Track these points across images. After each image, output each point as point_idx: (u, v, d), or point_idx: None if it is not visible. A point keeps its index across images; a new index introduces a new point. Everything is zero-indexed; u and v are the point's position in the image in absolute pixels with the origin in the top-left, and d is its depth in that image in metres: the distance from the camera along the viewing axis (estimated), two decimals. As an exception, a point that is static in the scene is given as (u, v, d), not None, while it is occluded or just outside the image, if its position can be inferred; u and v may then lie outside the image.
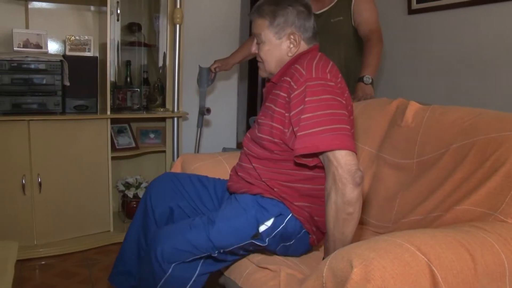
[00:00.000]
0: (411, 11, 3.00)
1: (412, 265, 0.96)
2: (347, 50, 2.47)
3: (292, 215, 1.45)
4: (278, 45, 1.54)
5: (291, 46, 1.53)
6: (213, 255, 1.42)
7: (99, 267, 2.38)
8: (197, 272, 1.45)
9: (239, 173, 1.59)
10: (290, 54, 1.54)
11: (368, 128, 1.94)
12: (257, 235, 1.42)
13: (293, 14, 1.51)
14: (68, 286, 2.18)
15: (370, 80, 2.18)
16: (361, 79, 2.19)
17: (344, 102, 1.40)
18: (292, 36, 1.52)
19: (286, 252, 1.50)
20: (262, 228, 1.43)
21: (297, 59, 1.52)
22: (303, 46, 1.55)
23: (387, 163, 1.80)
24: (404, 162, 1.73)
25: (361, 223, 1.79)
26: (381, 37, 2.32)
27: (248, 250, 1.48)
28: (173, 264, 1.41)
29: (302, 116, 1.33)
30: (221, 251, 1.42)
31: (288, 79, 1.45)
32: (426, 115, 1.73)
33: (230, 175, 1.67)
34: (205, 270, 1.46)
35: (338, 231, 1.31)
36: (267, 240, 1.43)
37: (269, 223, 1.43)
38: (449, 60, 2.75)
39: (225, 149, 2.95)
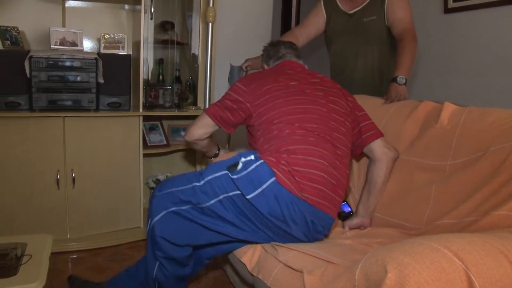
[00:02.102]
0: (447, 10, 2.94)
1: (449, 271, 0.93)
2: (380, 49, 2.43)
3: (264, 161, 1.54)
4: None
5: None
6: (198, 184, 1.56)
7: (129, 262, 2.41)
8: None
9: None
10: None
11: (401, 129, 1.90)
12: (234, 167, 1.54)
13: None
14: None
15: (404, 81, 2.14)
16: (394, 80, 2.15)
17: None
18: None
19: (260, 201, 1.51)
20: (240, 165, 1.55)
21: None
22: None
23: (419, 164, 1.76)
24: (437, 164, 1.69)
25: (391, 225, 1.76)
26: (415, 37, 2.27)
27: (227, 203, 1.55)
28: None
29: None
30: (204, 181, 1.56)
31: None
32: (462, 117, 1.69)
33: None
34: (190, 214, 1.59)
35: None
36: (239, 175, 1.52)
37: (247, 159, 1.56)
38: (485, 60, 2.68)
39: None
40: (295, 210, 1.50)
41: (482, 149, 1.54)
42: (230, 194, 1.53)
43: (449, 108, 1.76)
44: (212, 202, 1.55)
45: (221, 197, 1.54)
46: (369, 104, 2.15)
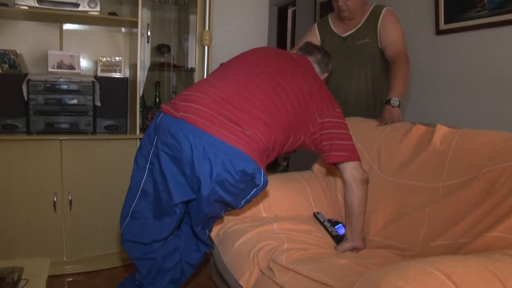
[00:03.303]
0: (439, 32, 2.98)
1: (442, 294, 0.95)
2: (373, 72, 2.48)
3: None
4: None
5: None
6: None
7: (126, 285, 2.41)
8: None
9: None
10: None
11: (395, 152, 1.93)
12: None
13: None
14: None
15: (397, 103, 2.17)
16: (388, 102, 2.19)
17: None
18: None
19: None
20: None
21: None
22: None
23: (413, 186, 1.79)
24: (431, 185, 1.71)
25: (386, 247, 1.77)
26: (407, 59, 2.32)
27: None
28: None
29: None
30: None
31: None
32: (455, 139, 1.72)
33: None
34: None
35: None
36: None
37: None
38: (478, 81, 2.72)
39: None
40: (177, 129, 1.60)
41: (475, 171, 1.56)
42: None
43: (441, 130, 1.79)
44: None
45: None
46: (363, 126, 2.18)
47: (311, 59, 2.04)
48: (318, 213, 2.06)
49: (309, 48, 2.10)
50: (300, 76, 1.83)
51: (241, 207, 1.75)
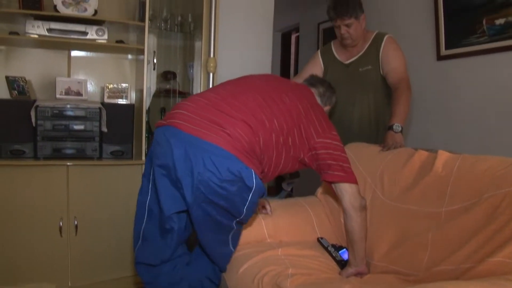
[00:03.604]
0: (440, 57, 3.03)
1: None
2: (376, 97, 2.51)
3: None
4: None
5: None
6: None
7: (130, 310, 2.41)
8: None
9: None
10: None
11: (398, 177, 1.95)
12: None
13: None
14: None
15: (400, 129, 2.20)
16: (390, 128, 2.21)
17: None
18: None
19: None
20: None
21: None
22: None
23: (416, 211, 1.80)
24: (433, 211, 1.72)
25: (390, 272, 1.78)
26: (409, 85, 2.36)
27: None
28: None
29: None
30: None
31: None
32: (456, 164, 1.73)
33: None
34: None
35: None
36: None
37: None
38: (479, 106, 2.75)
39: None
40: (162, 135, 1.64)
41: (476, 196, 1.58)
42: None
43: (443, 156, 1.81)
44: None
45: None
46: (366, 151, 2.21)
47: (314, 90, 2.04)
48: (322, 238, 2.07)
49: (313, 81, 2.11)
50: (296, 98, 1.83)
51: (246, 217, 1.68)
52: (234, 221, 1.70)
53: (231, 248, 1.83)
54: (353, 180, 1.80)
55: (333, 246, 2.00)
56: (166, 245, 1.77)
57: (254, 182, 1.58)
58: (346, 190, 1.79)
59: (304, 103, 1.83)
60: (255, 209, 1.74)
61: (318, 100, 2.04)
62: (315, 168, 1.85)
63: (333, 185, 1.83)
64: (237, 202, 1.60)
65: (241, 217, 1.66)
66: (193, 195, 1.56)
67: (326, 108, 2.10)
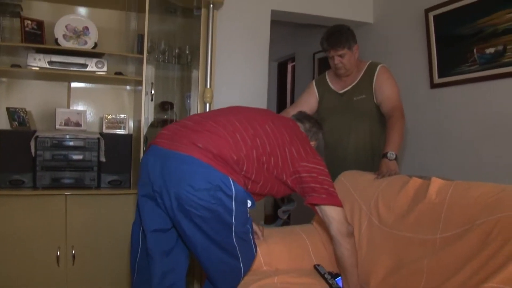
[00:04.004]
0: (434, 85, 3.09)
1: None
2: (370, 126, 2.55)
3: None
4: None
5: None
6: None
7: None
8: None
9: None
10: None
11: (392, 204, 1.97)
12: None
13: None
14: None
15: (394, 156, 2.23)
16: (385, 155, 2.24)
17: None
18: None
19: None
20: None
21: None
22: None
23: (411, 238, 1.81)
24: (428, 237, 1.74)
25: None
26: (403, 113, 2.39)
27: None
28: None
29: None
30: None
31: None
32: (449, 191, 1.76)
33: None
34: None
35: None
36: None
37: None
38: (472, 133, 2.79)
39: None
40: (145, 156, 1.70)
41: (469, 223, 1.60)
42: None
43: (436, 183, 1.84)
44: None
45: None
46: (361, 179, 2.23)
47: (300, 125, 2.05)
48: (318, 265, 2.07)
49: (300, 116, 2.13)
50: (281, 124, 1.85)
51: (241, 228, 1.64)
52: (231, 235, 1.63)
53: (240, 264, 1.72)
54: (338, 203, 1.78)
55: (329, 273, 2.00)
56: (152, 271, 1.72)
57: (233, 189, 1.56)
58: (332, 217, 1.77)
59: (289, 131, 1.85)
60: (249, 221, 1.70)
61: (300, 124, 2.07)
62: (299, 192, 1.84)
63: (318, 209, 1.81)
64: (221, 212, 1.57)
65: (234, 228, 1.61)
66: (171, 207, 1.56)
67: (312, 143, 2.08)
